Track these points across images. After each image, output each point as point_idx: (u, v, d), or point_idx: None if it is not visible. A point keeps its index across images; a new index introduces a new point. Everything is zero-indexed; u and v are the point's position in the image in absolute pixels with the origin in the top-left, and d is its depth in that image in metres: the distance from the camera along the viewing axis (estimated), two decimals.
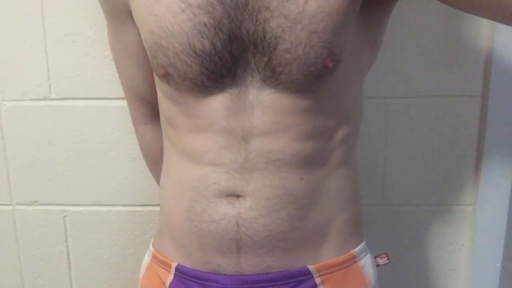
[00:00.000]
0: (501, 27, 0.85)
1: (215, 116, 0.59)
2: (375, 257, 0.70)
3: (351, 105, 0.66)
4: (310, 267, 0.62)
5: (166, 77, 0.59)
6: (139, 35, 0.64)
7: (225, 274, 0.61)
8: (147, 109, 0.77)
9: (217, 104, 0.59)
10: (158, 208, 0.73)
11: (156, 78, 0.64)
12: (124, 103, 0.86)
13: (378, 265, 0.70)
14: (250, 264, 0.61)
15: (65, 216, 0.98)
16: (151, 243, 0.73)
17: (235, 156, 0.59)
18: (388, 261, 0.71)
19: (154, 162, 0.80)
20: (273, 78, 0.57)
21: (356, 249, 0.66)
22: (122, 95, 0.83)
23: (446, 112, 0.90)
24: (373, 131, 0.91)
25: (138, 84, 0.74)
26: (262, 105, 0.58)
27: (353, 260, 0.65)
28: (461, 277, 0.98)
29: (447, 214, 0.95)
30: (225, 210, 0.60)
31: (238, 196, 0.60)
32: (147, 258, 0.72)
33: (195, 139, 0.61)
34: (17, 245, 1.00)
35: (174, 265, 0.65)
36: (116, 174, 0.96)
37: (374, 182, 0.94)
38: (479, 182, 0.92)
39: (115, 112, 0.93)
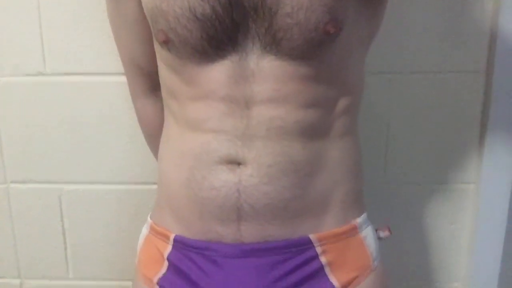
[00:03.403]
0: (507, 2, 0.83)
1: (216, 83, 0.58)
2: (376, 230, 0.69)
3: (353, 76, 0.65)
4: (311, 236, 0.61)
5: (166, 43, 0.59)
6: (139, 4, 0.63)
7: (225, 243, 0.60)
8: (146, 82, 0.76)
9: (218, 72, 0.58)
10: (156, 187, 0.71)
11: (157, 47, 0.64)
12: (121, 78, 0.85)
13: (379, 238, 0.69)
14: (251, 233, 0.59)
15: (61, 194, 0.96)
16: (149, 216, 0.71)
17: (237, 123, 0.59)
18: (389, 233, 0.70)
19: (153, 136, 0.79)
20: (274, 44, 0.56)
21: (358, 220, 0.65)
22: (120, 70, 0.82)
23: (449, 88, 0.89)
24: (375, 107, 0.90)
25: (138, 55, 0.73)
26: (263, 72, 0.58)
27: (354, 231, 0.64)
28: (462, 257, 0.97)
29: (449, 192, 0.94)
30: (226, 177, 0.59)
31: (239, 163, 0.59)
32: (144, 231, 0.71)
33: (196, 107, 0.60)
34: (11, 224, 0.98)
35: (172, 236, 0.64)
36: (114, 151, 0.94)
37: (376, 160, 0.93)
38: (482, 160, 0.91)
39: (112, 88, 0.91)
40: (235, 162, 0.59)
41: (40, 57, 0.89)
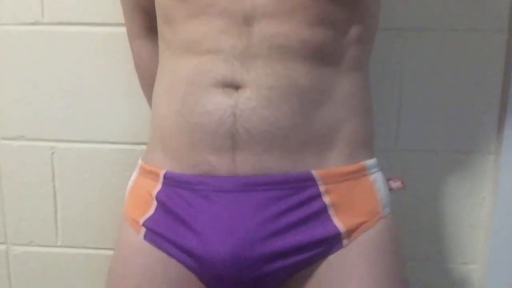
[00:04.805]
0: None
1: None
2: (387, 180, 0.62)
3: (366, 3, 0.59)
4: (314, 173, 0.55)
5: None
6: None
7: (218, 176, 0.54)
8: (144, 20, 0.72)
9: None
10: None
11: None
12: (122, 29, 0.80)
13: (391, 189, 0.62)
14: (247, 164, 0.53)
15: (53, 153, 0.92)
16: (140, 159, 0.66)
17: (235, 41, 0.54)
18: (402, 185, 0.63)
19: (149, 81, 0.74)
20: None
21: (367, 161, 0.59)
22: (121, 20, 0.78)
23: (468, 48, 0.83)
24: (387, 68, 0.84)
25: None
26: None
27: (363, 172, 0.58)
28: (481, 234, 0.89)
29: (467, 163, 0.87)
30: (220, 100, 0.53)
31: (237, 87, 0.54)
32: (134, 175, 0.66)
33: (191, 26, 0.56)
34: (0, 183, 0.94)
35: (162, 172, 0.59)
36: (111, 108, 0.89)
37: (387, 125, 0.86)
38: (503, 128, 0.84)
39: (113, 40, 0.86)
40: (232, 85, 0.54)
41: (38, 5, 0.86)
